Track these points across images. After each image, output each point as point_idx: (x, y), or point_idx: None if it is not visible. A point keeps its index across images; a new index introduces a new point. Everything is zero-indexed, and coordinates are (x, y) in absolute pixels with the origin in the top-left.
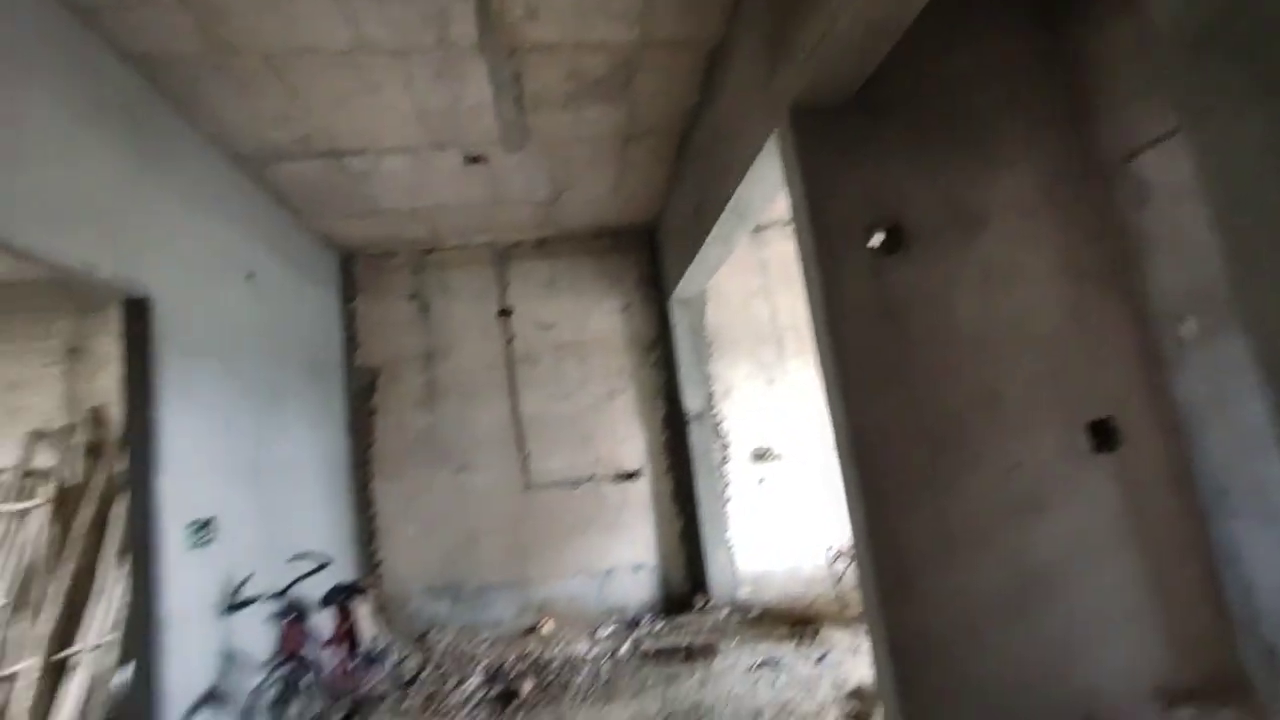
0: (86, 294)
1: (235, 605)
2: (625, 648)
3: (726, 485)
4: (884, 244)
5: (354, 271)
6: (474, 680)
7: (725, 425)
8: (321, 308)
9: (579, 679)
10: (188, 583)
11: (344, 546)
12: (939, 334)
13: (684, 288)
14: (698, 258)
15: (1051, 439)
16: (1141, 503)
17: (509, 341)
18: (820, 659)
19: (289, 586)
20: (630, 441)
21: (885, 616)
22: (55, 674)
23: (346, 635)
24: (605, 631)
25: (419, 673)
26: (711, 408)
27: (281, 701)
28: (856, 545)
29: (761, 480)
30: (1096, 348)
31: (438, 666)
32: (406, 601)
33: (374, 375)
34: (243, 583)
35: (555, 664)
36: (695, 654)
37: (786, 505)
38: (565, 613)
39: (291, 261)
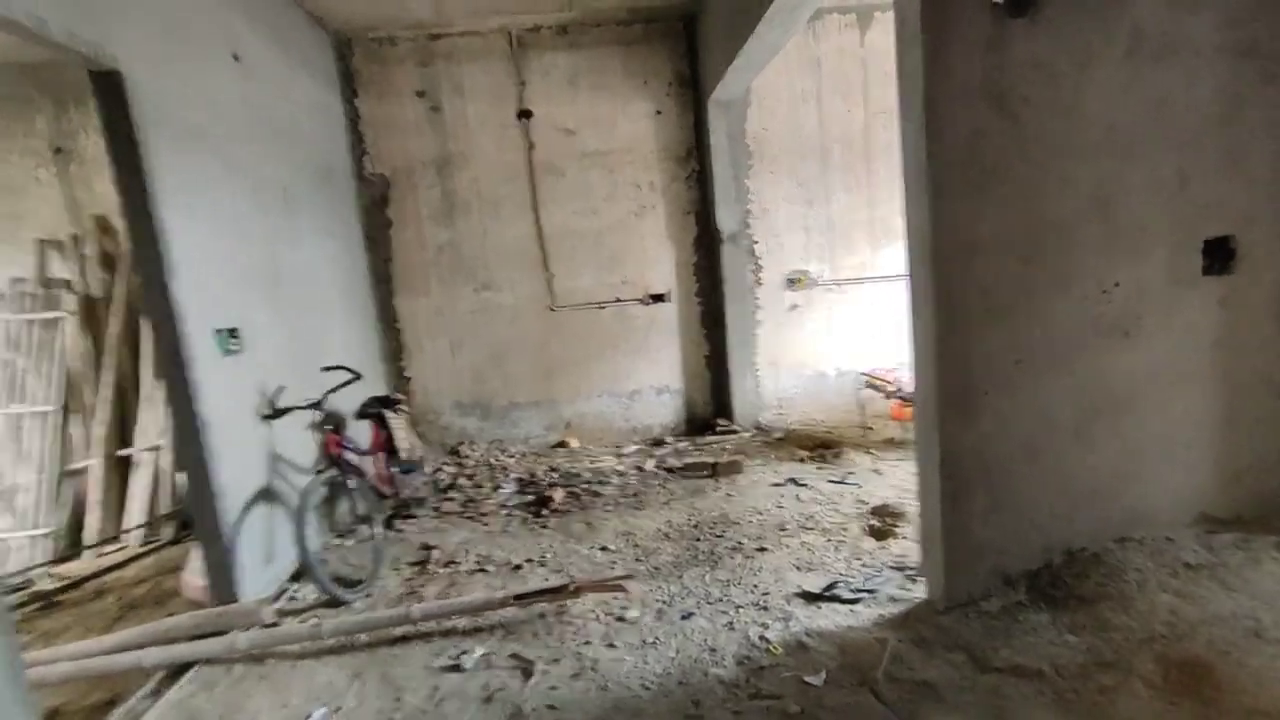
0: (60, 80)
1: (274, 413)
2: (650, 464)
3: (756, 310)
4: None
5: (352, 64)
6: (507, 488)
7: (759, 247)
8: (322, 105)
9: (608, 490)
10: (223, 389)
11: (372, 362)
12: (1057, 126)
13: (725, 88)
14: (744, 50)
15: (1160, 258)
16: (1241, 332)
17: (529, 149)
18: (843, 479)
19: (325, 396)
20: (659, 262)
21: (941, 433)
22: (120, 469)
23: (384, 445)
24: (630, 449)
25: (454, 481)
26: (746, 228)
27: (329, 502)
28: (918, 360)
29: (793, 306)
30: (1240, 149)
31: (471, 476)
32: (438, 417)
33: (386, 185)
34: (277, 392)
35: (584, 476)
36: (720, 470)
37: (816, 332)
38: (591, 431)
39: (279, 42)
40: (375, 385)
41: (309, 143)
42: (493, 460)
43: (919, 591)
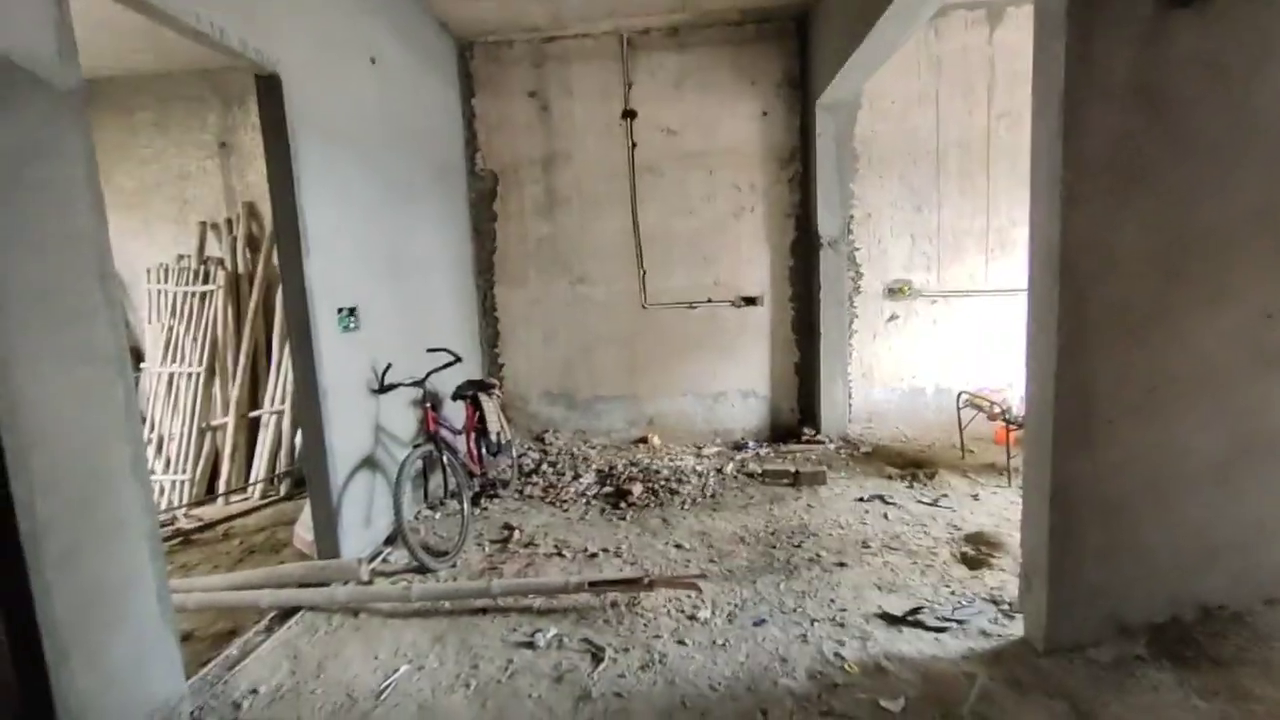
0: (229, 84)
1: (383, 387)
2: (730, 467)
3: (853, 319)
4: None
5: (471, 65)
6: (587, 478)
7: (861, 254)
8: (443, 103)
9: (686, 488)
10: (340, 362)
11: (471, 347)
12: (1221, 129)
13: (835, 90)
14: (860, 49)
15: None
16: None
17: (631, 148)
18: (935, 501)
19: (427, 376)
20: (753, 265)
21: (1054, 461)
22: (250, 428)
23: (476, 426)
24: (710, 450)
25: (538, 466)
26: (848, 233)
27: (423, 474)
28: (1035, 379)
29: (892, 317)
30: None
31: (553, 464)
32: (526, 404)
33: (495, 180)
34: (386, 369)
35: (663, 473)
36: (802, 480)
37: (916, 345)
38: (672, 429)
39: (411, 47)
40: (472, 369)
41: (431, 140)
42: (575, 450)
43: (1015, 629)
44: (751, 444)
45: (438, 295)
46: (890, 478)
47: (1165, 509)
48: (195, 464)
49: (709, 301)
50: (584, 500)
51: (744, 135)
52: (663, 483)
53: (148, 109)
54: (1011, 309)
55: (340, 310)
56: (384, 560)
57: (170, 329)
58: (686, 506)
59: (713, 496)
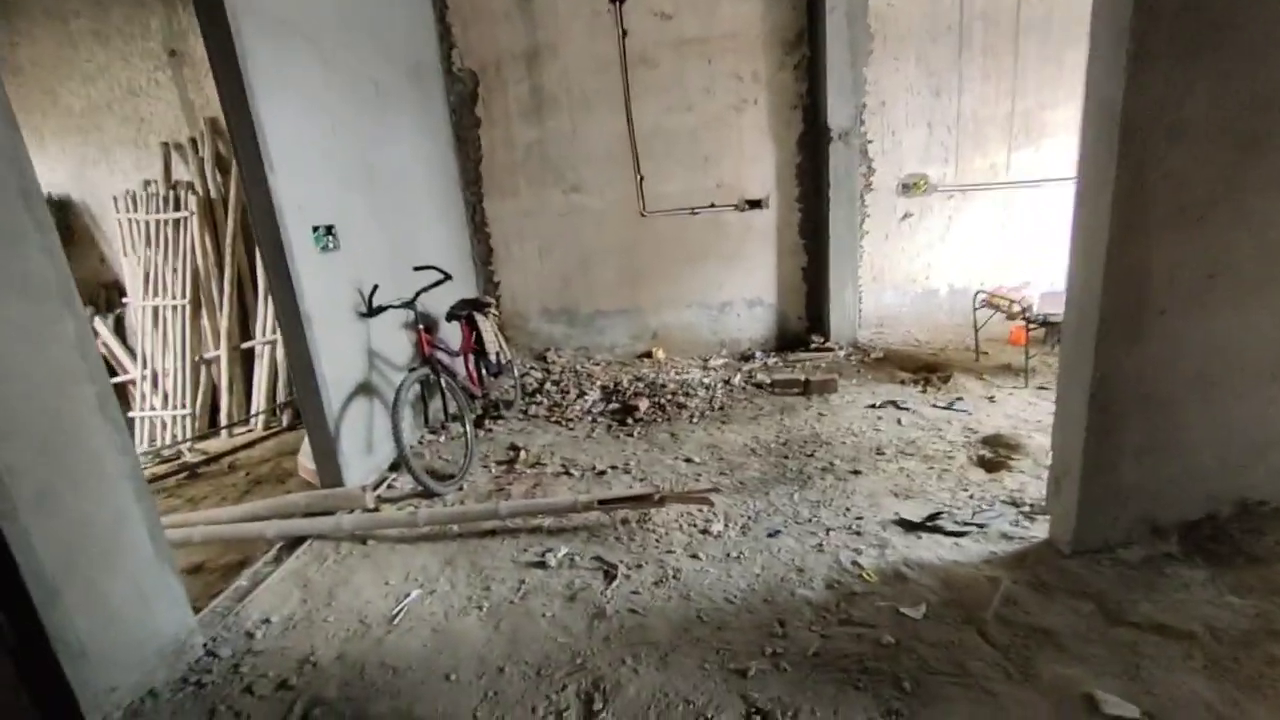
0: None
1: (371, 311)
2: (738, 378)
3: (864, 218)
4: None
5: None
6: (592, 395)
7: (873, 147)
8: (411, 2)
9: (693, 402)
10: (322, 286)
11: (462, 265)
12: None
13: None
14: None
15: None
16: None
17: (622, 37)
18: (949, 405)
19: (417, 295)
20: (758, 164)
21: (1097, 354)
22: (245, 359)
23: (473, 346)
24: (717, 362)
25: (541, 386)
26: (860, 124)
27: (422, 399)
28: (1080, 265)
29: (906, 215)
30: None
31: (557, 382)
32: (525, 322)
33: (475, 80)
34: (373, 291)
35: (669, 387)
36: (812, 388)
37: (930, 244)
38: (678, 342)
39: None
40: (465, 288)
41: (398, 35)
42: (578, 367)
43: (1038, 531)
44: (759, 354)
45: (422, 210)
46: (903, 383)
47: (1213, 405)
48: (194, 398)
49: (711, 206)
50: (590, 418)
51: (745, 16)
52: (669, 397)
53: (83, 15)
54: (1035, 202)
55: (316, 229)
56: (389, 486)
57: (148, 260)
58: (695, 420)
59: (721, 409)
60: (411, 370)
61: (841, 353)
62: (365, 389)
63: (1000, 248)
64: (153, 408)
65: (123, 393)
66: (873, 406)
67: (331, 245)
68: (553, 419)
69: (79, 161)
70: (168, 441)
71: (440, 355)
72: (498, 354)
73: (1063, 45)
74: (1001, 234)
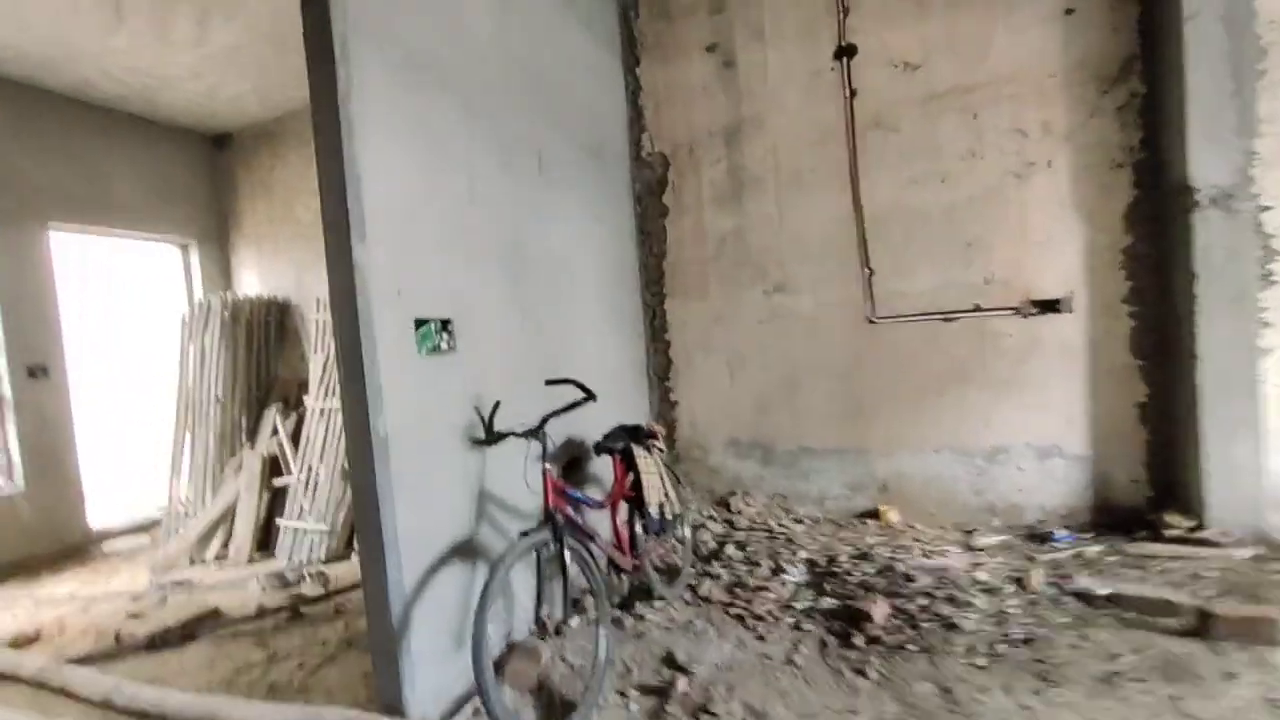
0: None
1: (490, 437)
2: (1039, 578)
3: (1261, 327)
4: None
5: (634, 25)
6: (795, 573)
7: (1271, 216)
8: (598, 68)
9: (970, 619)
10: (417, 396)
11: (633, 381)
12: None
13: None
14: None
15: None
16: None
17: (849, 98)
18: None
19: (544, 421)
20: (1051, 250)
21: None
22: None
23: (628, 494)
24: (989, 541)
25: (720, 549)
26: (1249, 182)
27: (539, 574)
28: None
29: None
30: None
31: (742, 544)
32: (705, 455)
33: (665, 165)
34: (494, 410)
35: (916, 579)
36: (1218, 628)
37: None
38: (919, 500)
39: None
40: (629, 410)
41: (579, 107)
42: (774, 524)
43: None
44: (1062, 534)
45: (587, 309)
46: None
47: None
48: (337, 511)
49: (975, 310)
50: (791, 618)
51: (1030, 51)
52: (923, 602)
53: None
54: None
55: (423, 323)
56: (475, 716)
57: (327, 359)
58: (978, 658)
59: (1028, 644)
60: (524, 535)
61: (1237, 552)
62: (466, 550)
63: None
64: (300, 516)
65: (281, 497)
66: None
67: (444, 345)
68: (734, 608)
69: (299, 267)
70: (302, 559)
71: (575, 509)
72: (662, 505)
73: None
74: None
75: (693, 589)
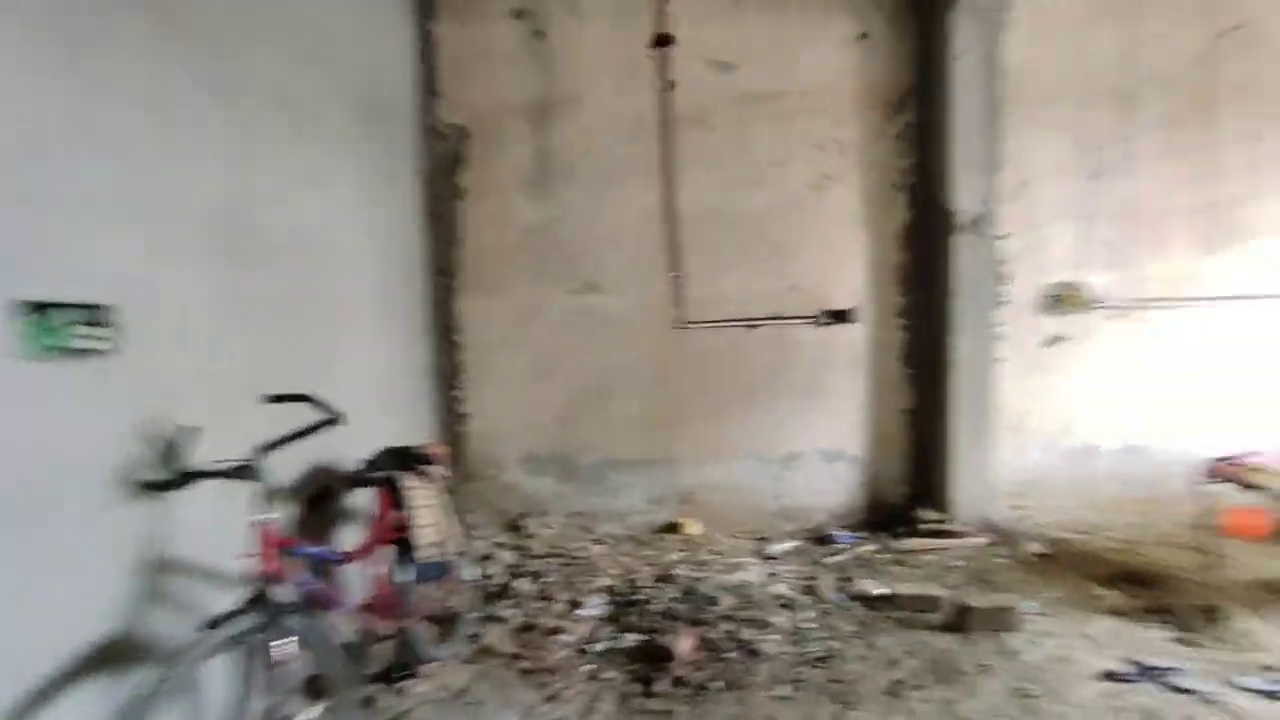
0: None
1: (175, 479)
2: (827, 582)
3: (995, 341)
4: None
5: None
6: (593, 607)
7: (1009, 245)
8: (378, 14)
9: (770, 641)
10: (21, 424)
11: (407, 390)
12: None
13: None
14: None
15: None
16: None
17: (666, 90)
18: (1270, 684)
19: (258, 453)
20: (845, 261)
21: None
22: None
23: (390, 534)
24: (782, 547)
25: (508, 584)
26: (992, 212)
27: (248, 669)
28: None
29: (1054, 339)
30: None
31: (537, 575)
32: (499, 473)
33: (462, 139)
34: (182, 437)
35: (720, 600)
36: (973, 620)
37: (1091, 380)
38: (719, 510)
39: None
40: (408, 425)
41: (348, 56)
42: (572, 550)
43: None
44: (843, 534)
45: (349, 304)
46: (1124, 615)
47: None
48: None
49: (778, 318)
50: (588, 663)
51: (833, 69)
52: (726, 626)
53: None
54: (1239, 325)
55: (40, 308)
56: None
57: None
58: (781, 686)
59: (824, 661)
60: (216, 625)
61: (975, 540)
62: (118, 655)
63: (1187, 387)
64: None
65: None
66: (1113, 677)
67: (92, 345)
68: (522, 661)
69: None
70: None
71: (312, 569)
72: (439, 545)
73: (1271, 119)
74: (1190, 368)
75: (475, 640)
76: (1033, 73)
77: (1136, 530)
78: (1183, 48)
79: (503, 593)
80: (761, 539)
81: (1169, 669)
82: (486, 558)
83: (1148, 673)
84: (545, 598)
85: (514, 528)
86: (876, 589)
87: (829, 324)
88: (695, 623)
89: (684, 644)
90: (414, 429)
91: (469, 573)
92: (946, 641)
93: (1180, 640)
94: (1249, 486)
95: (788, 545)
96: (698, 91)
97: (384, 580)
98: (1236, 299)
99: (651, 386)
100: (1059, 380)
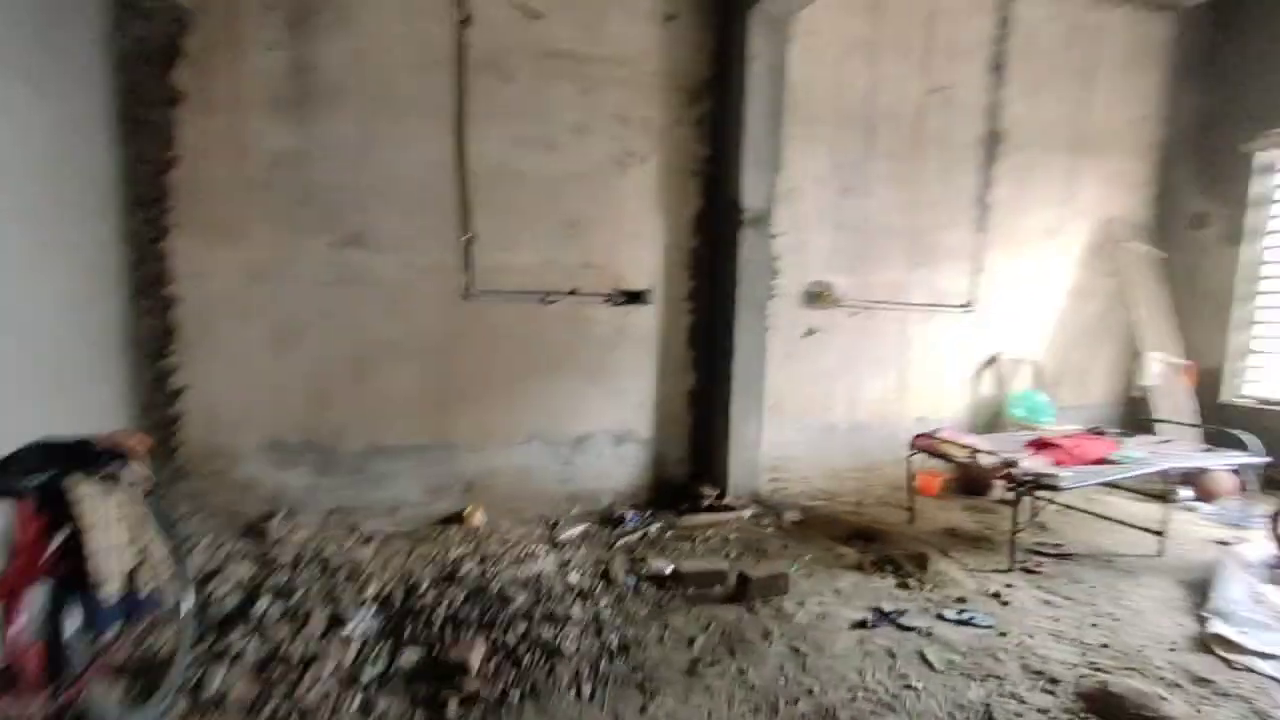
0: None
1: None
2: (620, 566)
3: (766, 330)
4: None
5: None
6: (360, 623)
7: (779, 242)
8: None
9: (569, 638)
10: None
11: (84, 360)
12: None
13: None
14: None
15: None
16: None
17: (462, 23)
18: (962, 616)
19: None
20: (641, 243)
21: None
22: None
23: (50, 567)
24: (573, 531)
25: (249, 601)
26: (771, 211)
27: None
28: None
29: (810, 331)
30: None
31: (283, 593)
32: (232, 465)
33: (180, 23)
34: None
35: (513, 599)
36: (752, 590)
37: (832, 368)
38: (505, 497)
39: None
40: (85, 410)
41: None
42: (331, 553)
43: None
44: (631, 515)
45: None
46: (862, 569)
47: None
48: None
49: (573, 294)
50: (358, 698)
51: (640, 43)
52: (521, 626)
53: None
54: (929, 328)
55: None
56: None
57: None
58: (583, 684)
59: (624, 651)
60: None
61: (746, 513)
62: None
63: (896, 376)
64: None
65: None
66: (862, 625)
67: None
68: (265, 707)
69: None
70: None
71: None
72: (135, 569)
73: (956, 165)
74: (899, 361)
75: (195, 689)
76: (806, 90)
77: (862, 494)
78: (907, 95)
79: (237, 619)
80: (552, 525)
81: (897, 611)
82: (212, 575)
83: (885, 617)
84: (297, 618)
85: (254, 533)
86: (668, 568)
87: (624, 304)
88: (487, 627)
89: (476, 653)
90: (98, 414)
91: (184, 601)
92: (733, 613)
93: (900, 585)
94: (937, 455)
95: (578, 530)
96: (499, 34)
97: (32, 640)
98: (931, 306)
99: (430, 361)
100: (809, 366)
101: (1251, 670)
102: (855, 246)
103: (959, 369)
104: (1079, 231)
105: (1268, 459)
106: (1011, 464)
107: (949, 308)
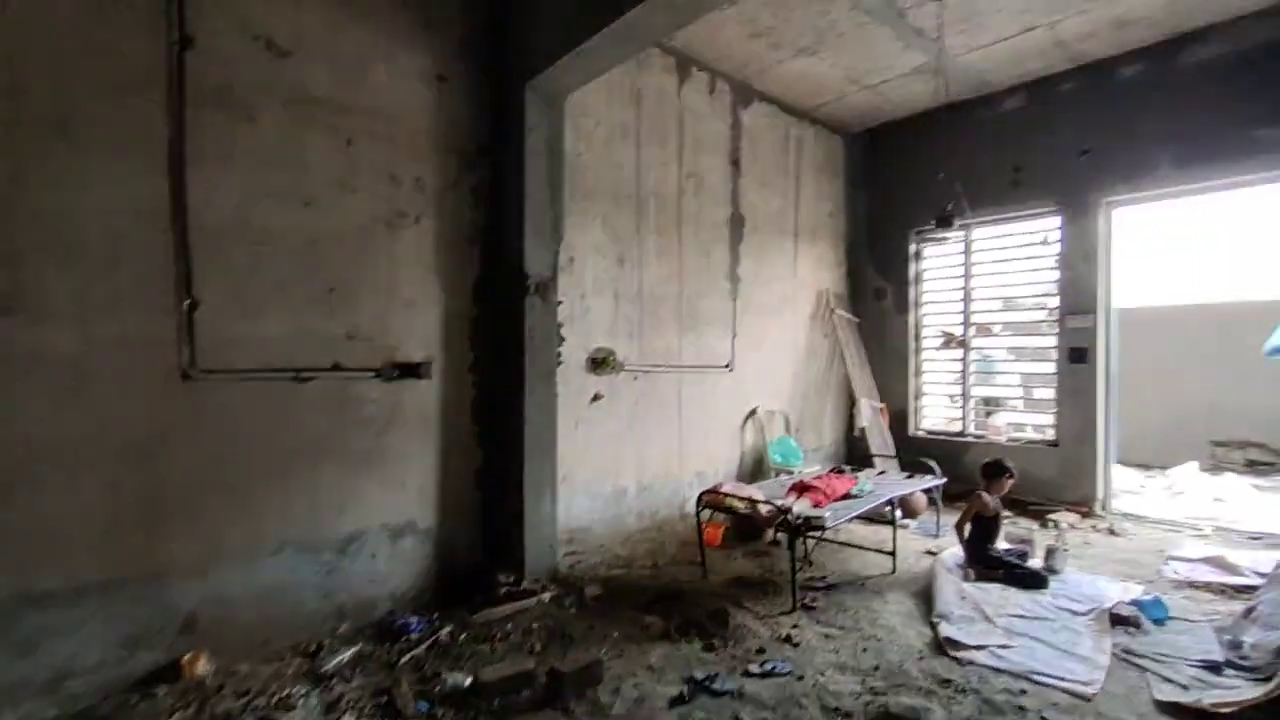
0: None
1: None
2: (408, 692)
3: (555, 398)
4: None
5: None
6: None
7: (562, 310)
8: None
9: None
10: None
11: None
12: None
13: (562, 73)
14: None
15: None
16: None
17: (179, 44)
18: (765, 668)
19: None
20: (415, 310)
21: None
22: None
23: None
24: (340, 658)
25: None
26: (555, 280)
27: None
28: None
29: (596, 397)
30: None
31: None
32: None
33: None
34: None
35: None
36: (566, 684)
37: (619, 433)
38: (246, 628)
39: None
40: None
41: None
42: None
43: None
44: (415, 621)
45: None
46: (669, 637)
47: None
48: None
49: (336, 369)
50: None
51: (408, 100)
52: None
53: None
54: (710, 388)
55: None
56: None
57: None
58: None
59: None
60: None
61: (546, 595)
62: None
63: (676, 434)
64: None
65: None
66: (681, 700)
67: None
68: None
69: None
70: None
71: None
72: None
73: (711, 242)
74: (677, 420)
75: None
76: (583, 165)
77: (656, 554)
78: (669, 177)
79: None
80: (313, 653)
81: (709, 678)
82: None
83: (699, 686)
84: None
85: None
86: (466, 680)
87: (398, 379)
88: None
89: None
90: None
91: None
92: (548, 718)
93: (707, 648)
94: (722, 509)
95: (349, 653)
96: (234, 66)
97: None
98: (700, 368)
99: (129, 465)
100: (598, 431)
101: (974, 663)
102: (633, 313)
103: (727, 423)
104: (803, 301)
105: (944, 479)
106: (786, 510)
107: (715, 368)
